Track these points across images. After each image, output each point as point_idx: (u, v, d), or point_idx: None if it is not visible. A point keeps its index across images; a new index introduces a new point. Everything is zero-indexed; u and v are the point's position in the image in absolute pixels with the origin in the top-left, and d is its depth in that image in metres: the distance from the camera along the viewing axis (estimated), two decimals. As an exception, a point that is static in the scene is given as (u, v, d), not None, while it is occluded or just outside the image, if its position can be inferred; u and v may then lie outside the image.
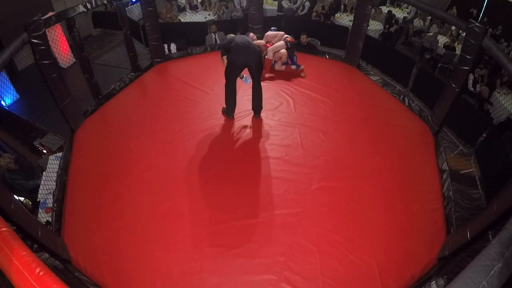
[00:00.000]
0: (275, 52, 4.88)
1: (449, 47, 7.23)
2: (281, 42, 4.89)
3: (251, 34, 5.33)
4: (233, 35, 3.86)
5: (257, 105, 4.07)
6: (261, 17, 5.92)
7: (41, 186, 3.56)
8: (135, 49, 4.99)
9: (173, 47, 6.00)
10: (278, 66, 5.07)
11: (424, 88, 5.19)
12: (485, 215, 2.33)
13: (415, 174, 3.57)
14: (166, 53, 5.56)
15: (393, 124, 4.25)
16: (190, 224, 2.93)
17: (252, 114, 4.17)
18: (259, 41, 5.07)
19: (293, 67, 5.08)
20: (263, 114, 4.18)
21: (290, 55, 5.08)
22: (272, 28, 5.24)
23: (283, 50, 4.88)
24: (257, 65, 3.68)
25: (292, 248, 2.76)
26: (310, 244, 2.79)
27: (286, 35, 5.01)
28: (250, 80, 3.89)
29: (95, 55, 7.33)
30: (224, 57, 3.73)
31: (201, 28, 6.77)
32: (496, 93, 6.17)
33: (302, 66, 5.12)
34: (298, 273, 2.59)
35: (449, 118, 4.04)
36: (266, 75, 5.00)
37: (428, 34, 8.08)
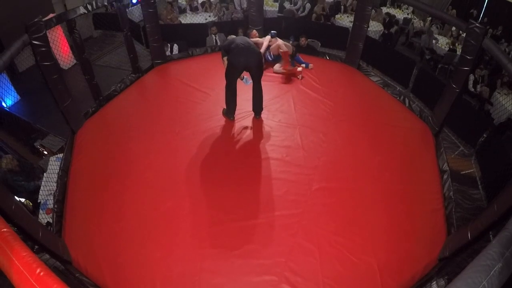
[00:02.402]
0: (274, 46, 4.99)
1: (451, 49, 7.23)
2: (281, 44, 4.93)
3: (254, 31, 5.37)
4: (234, 36, 3.87)
5: (257, 106, 4.08)
6: (261, 18, 5.93)
7: (41, 187, 3.57)
8: (136, 51, 5.00)
9: (175, 48, 6.00)
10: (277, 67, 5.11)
11: (424, 88, 5.18)
12: (486, 216, 2.33)
13: (416, 174, 3.57)
14: (167, 55, 5.57)
15: (393, 124, 4.25)
16: (190, 224, 2.93)
17: (253, 115, 4.18)
18: (259, 39, 5.09)
19: (300, 67, 5.10)
20: (263, 115, 4.18)
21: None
22: (272, 32, 5.16)
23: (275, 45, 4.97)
24: (257, 66, 3.69)
25: (293, 249, 2.76)
26: (311, 245, 2.79)
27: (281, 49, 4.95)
28: (251, 81, 3.89)
29: (95, 56, 7.35)
30: (225, 58, 3.74)
31: (201, 30, 6.78)
32: (497, 93, 6.17)
33: (311, 65, 5.21)
34: (298, 274, 2.58)
35: (449, 118, 4.03)
36: (266, 76, 5.00)
37: (423, 35, 8.09)
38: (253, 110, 4.13)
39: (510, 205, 2.10)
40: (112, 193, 3.22)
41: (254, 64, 3.64)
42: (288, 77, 5.01)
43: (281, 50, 4.89)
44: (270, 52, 5.17)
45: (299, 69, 5.04)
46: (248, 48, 3.58)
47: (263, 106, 4.12)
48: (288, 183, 3.32)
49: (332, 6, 8.97)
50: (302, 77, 5.02)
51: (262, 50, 4.86)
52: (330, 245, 2.79)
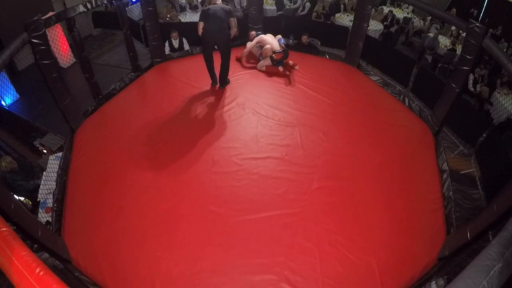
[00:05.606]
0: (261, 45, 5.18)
1: (451, 50, 7.22)
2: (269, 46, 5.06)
3: (253, 32, 5.38)
4: (210, 5, 4.19)
5: (222, 78, 4.58)
6: (261, 17, 5.92)
7: (41, 186, 3.55)
8: (135, 49, 4.99)
9: (185, 41, 5.96)
10: (259, 66, 5.16)
11: (424, 88, 5.18)
12: (485, 215, 2.33)
13: (415, 174, 3.57)
14: (166, 53, 5.56)
15: (393, 124, 4.25)
16: (190, 224, 2.93)
17: (252, 114, 4.18)
18: (266, 38, 5.12)
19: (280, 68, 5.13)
20: (263, 113, 4.19)
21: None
22: (279, 38, 5.24)
23: (268, 46, 5.08)
24: (223, 44, 4.28)
25: (292, 248, 2.76)
26: (310, 244, 2.79)
27: (275, 50, 5.01)
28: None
29: (95, 55, 7.32)
30: (201, 24, 4.16)
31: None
32: (496, 93, 6.16)
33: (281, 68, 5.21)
34: (298, 273, 2.59)
35: (449, 118, 4.04)
36: (266, 75, 5.00)
37: (429, 34, 8.07)
38: (218, 81, 4.60)
39: (510, 205, 2.11)
40: (112, 192, 3.22)
41: (221, 42, 4.25)
42: (288, 76, 5.01)
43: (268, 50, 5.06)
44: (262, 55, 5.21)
45: (281, 68, 5.12)
46: (217, 30, 4.11)
47: (263, 104, 4.12)
48: (288, 182, 3.32)
49: (332, 5, 8.95)
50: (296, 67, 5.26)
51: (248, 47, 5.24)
52: (329, 244, 2.80)
